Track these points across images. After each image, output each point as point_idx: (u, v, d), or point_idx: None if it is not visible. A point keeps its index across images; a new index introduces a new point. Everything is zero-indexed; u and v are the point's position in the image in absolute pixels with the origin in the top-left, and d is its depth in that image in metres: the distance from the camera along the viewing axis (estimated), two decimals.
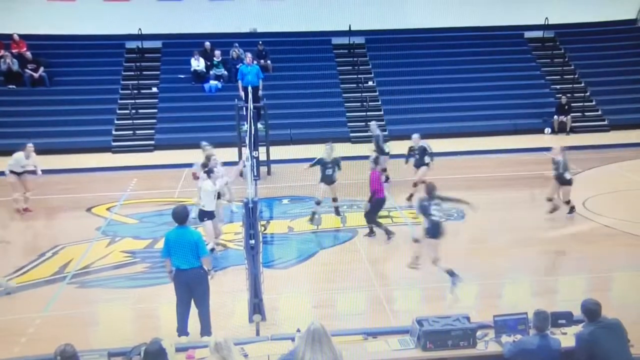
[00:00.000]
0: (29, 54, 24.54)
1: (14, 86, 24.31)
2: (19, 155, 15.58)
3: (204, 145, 14.32)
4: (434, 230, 10.62)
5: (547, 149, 21.66)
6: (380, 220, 13.19)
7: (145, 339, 6.95)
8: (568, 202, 14.30)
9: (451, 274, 10.61)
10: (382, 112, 24.60)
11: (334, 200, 14.17)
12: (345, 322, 9.10)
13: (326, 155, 13.92)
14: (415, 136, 15.85)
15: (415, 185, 15.21)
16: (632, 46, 27.16)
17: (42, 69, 24.51)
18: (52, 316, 10.13)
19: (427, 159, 15.43)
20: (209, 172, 11.86)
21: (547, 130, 24.22)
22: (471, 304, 10.22)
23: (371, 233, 13.12)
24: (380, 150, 16.22)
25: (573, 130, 24.20)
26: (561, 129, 24.16)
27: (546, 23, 27.30)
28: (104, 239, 13.68)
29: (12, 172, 15.50)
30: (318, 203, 13.80)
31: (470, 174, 18.50)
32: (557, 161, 14.12)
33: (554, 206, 14.33)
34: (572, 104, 24.69)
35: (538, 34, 27.79)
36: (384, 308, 10.06)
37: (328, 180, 13.87)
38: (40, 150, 21.38)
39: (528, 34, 27.87)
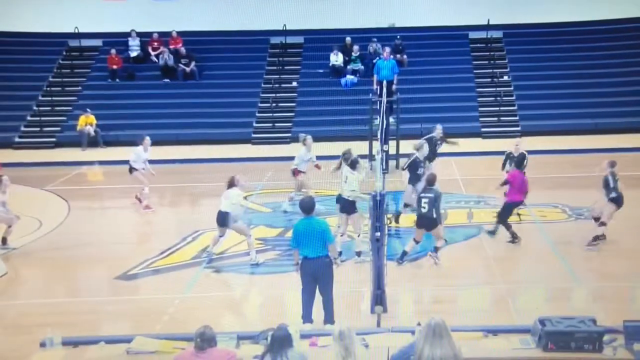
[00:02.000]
0: (183, 50, 26.01)
1: (168, 80, 25.90)
2: (138, 149, 15.68)
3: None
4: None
5: None
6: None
7: (272, 324, 7.09)
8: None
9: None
10: (515, 107, 24.12)
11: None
12: (466, 318, 9.06)
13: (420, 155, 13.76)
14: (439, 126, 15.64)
15: None
16: None
17: (193, 63, 25.92)
18: (191, 298, 10.82)
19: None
20: (353, 164, 12.02)
21: None
22: (599, 306, 9.91)
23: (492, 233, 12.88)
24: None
25: None
26: None
27: None
28: None
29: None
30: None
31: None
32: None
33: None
34: None
35: None
36: (506, 306, 9.98)
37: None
38: (186, 141, 22.97)
39: None
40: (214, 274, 11.86)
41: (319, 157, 15.18)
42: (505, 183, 12.73)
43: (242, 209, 12.21)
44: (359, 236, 12.01)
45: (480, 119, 23.68)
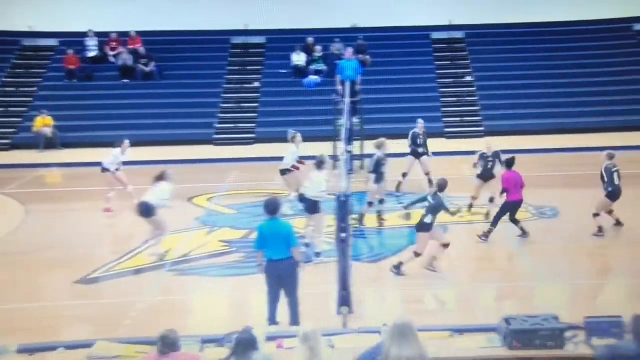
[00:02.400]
0: (142, 50, 25.62)
1: (127, 81, 25.50)
2: (116, 151, 15.34)
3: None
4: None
5: None
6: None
7: (237, 327, 7.08)
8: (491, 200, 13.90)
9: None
10: (478, 108, 24.33)
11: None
12: (433, 318, 9.08)
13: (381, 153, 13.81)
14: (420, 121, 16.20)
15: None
16: None
17: (153, 63, 25.55)
18: (153, 302, 10.64)
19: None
20: (320, 164, 11.98)
21: None
22: (562, 304, 10.00)
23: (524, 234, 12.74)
24: None
25: None
26: None
27: None
28: (204, 228, 14.23)
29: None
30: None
31: (572, 172, 17.99)
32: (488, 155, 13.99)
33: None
34: None
35: None
36: (472, 305, 10.03)
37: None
38: (147, 142, 22.60)
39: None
40: (177, 276, 11.68)
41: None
42: (504, 191, 12.62)
43: (168, 204, 11.97)
44: (320, 237, 11.97)
45: (443, 119, 23.81)
